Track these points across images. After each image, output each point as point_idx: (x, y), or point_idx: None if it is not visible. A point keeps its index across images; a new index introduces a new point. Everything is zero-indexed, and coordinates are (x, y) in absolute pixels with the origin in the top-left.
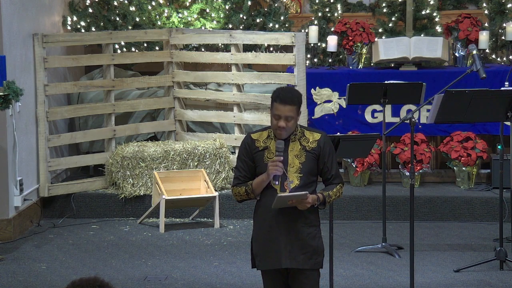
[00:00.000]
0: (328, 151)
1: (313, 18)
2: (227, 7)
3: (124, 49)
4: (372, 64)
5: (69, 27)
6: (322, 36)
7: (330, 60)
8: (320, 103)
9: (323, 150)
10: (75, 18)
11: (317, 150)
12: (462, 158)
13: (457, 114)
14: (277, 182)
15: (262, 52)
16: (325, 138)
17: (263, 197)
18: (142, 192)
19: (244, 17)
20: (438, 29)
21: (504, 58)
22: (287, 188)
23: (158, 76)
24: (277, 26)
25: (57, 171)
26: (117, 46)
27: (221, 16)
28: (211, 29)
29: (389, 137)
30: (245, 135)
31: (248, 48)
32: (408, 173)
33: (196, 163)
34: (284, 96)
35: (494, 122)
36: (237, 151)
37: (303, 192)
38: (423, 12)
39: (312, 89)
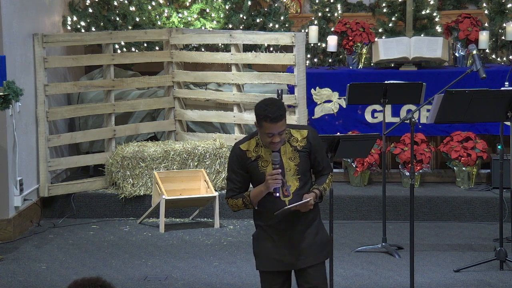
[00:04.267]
0: (317, 145)
1: (313, 18)
2: (227, 7)
3: (124, 49)
4: (372, 64)
5: (69, 27)
6: (322, 36)
7: (330, 60)
8: (320, 103)
9: (313, 145)
10: (75, 18)
11: (308, 147)
12: (462, 158)
13: (457, 114)
14: (278, 194)
15: (262, 52)
16: (312, 133)
17: (262, 203)
18: (142, 192)
19: (244, 17)
20: (438, 29)
21: (504, 58)
22: (287, 193)
23: (158, 76)
24: (277, 26)
25: (57, 171)
26: (117, 46)
27: (221, 16)
28: (211, 29)
29: (389, 137)
30: (246, 135)
31: (248, 48)
32: (408, 173)
33: (196, 163)
34: (274, 115)
35: (494, 122)
36: None
37: (306, 200)
38: (423, 12)
39: (312, 89)
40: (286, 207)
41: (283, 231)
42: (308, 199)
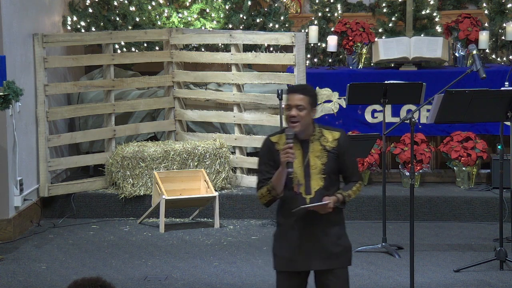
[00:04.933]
0: (347, 149)
1: (313, 18)
2: (227, 7)
3: (124, 49)
4: (372, 64)
5: (69, 27)
6: (322, 36)
7: (330, 60)
8: (320, 103)
9: (342, 149)
10: (75, 18)
11: (337, 149)
12: (462, 158)
13: (457, 114)
14: (291, 169)
15: (262, 52)
16: (344, 136)
17: (285, 201)
18: (142, 192)
19: (244, 17)
20: (438, 29)
21: (504, 58)
22: (296, 190)
23: (158, 76)
24: (277, 26)
25: (57, 171)
26: (117, 46)
27: (221, 16)
28: (211, 29)
29: (389, 137)
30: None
31: (248, 48)
32: (408, 173)
33: (196, 163)
34: (295, 87)
35: (494, 122)
36: (237, 151)
37: (325, 202)
38: (423, 12)
39: None
40: (304, 206)
41: (301, 230)
42: (327, 202)
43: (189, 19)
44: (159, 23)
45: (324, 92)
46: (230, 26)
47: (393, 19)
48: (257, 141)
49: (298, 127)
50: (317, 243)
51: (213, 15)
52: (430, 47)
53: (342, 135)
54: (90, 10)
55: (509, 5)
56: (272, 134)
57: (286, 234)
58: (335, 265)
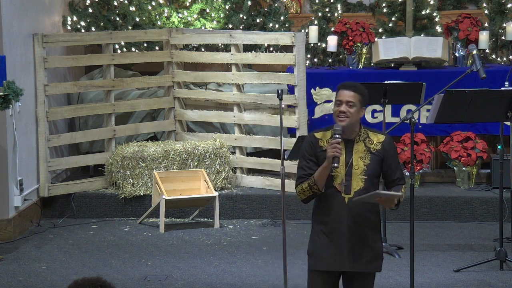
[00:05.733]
0: (392, 153)
1: (313, 18)
2: (227, 7)
3: (124, 49)
4: (372, 64)
5: (69, 27)
6: (322, 36)
7: (330, 60)
8: (320, 103)
9: (387, 152)
10: (75, 18)
11: (382, 152)
12: (462, 158)
13: (457, 114)
14: (336, 165)
15: (262, 52)
16: (389, 140)
17: (323, 199)
18: (142, 192)
19: (244, 17)
20: (438, 29)
21: (504, 58)
22: (341, 190)
23: (158, 76)
24: (277, 26)
25: (57, 171)
26: (117, 46)
27: (221, 16)
28: (211, 29)
29: None
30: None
31: (248, 48)
32: (408, 173)
33: (196, 163)
34: (346, 84)
35: (494, 122)
36: (237, 151)
37: (395, 193)
38: (423, 12)
39: (312, 89)
40: (376, 191)
41: (337, 230)
42: (397, 194)
43: (189, 19)
44: (159, 23)
45: (324, 92)
46: (230, 26)
47: (393, 19)
48: (257, 141)
49: (346, 121)
50: (353, 245)
51: (213, 15)
52: (430, 47)
53: (387, 138)
54: (90, 10)
55: (509, 5)
56: (316, 130)
57: (322, 233)
58: (367, 268)
